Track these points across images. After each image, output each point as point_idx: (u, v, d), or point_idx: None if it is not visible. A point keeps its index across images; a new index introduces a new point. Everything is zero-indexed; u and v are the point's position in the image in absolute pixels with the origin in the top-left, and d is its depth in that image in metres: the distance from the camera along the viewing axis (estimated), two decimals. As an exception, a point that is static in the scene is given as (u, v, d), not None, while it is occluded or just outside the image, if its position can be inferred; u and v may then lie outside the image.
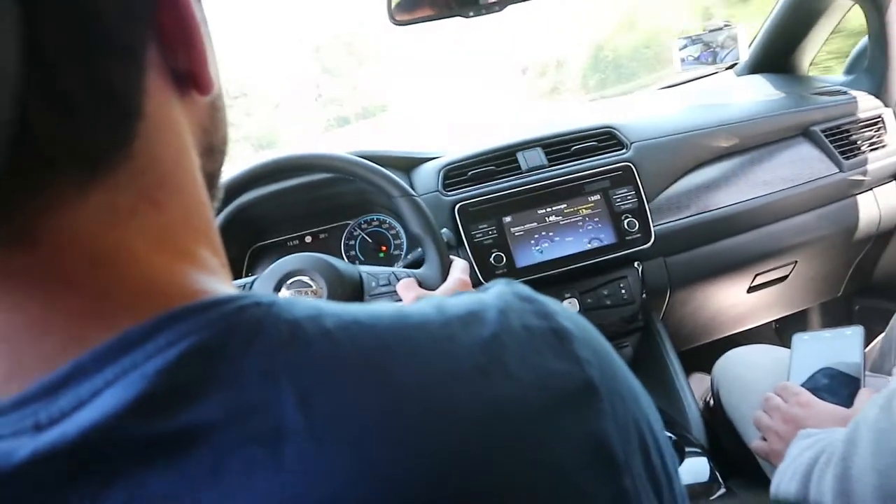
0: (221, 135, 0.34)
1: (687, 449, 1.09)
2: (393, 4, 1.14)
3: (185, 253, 0.28)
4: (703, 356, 1.50)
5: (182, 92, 0.29)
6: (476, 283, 1.16)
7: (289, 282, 0.94)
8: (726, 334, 1.63)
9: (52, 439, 0.22)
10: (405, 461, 0.23)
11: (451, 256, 1.00)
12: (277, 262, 0.96)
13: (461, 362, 0.26)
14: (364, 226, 1.31)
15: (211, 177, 0.33)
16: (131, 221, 0.26)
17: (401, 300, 0.92)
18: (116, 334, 0.24)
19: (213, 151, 0.33)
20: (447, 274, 0.94)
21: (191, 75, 0.29)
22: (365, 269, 0.97)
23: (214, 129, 0.33)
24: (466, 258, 1.20)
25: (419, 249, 1.02)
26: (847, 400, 0.90)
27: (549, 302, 0.31)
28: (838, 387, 0.93)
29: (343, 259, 1.26)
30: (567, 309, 0.31)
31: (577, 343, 0.29)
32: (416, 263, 1.07)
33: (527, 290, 0.31)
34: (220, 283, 0.28)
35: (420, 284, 0.92)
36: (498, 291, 0.31)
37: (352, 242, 1.30)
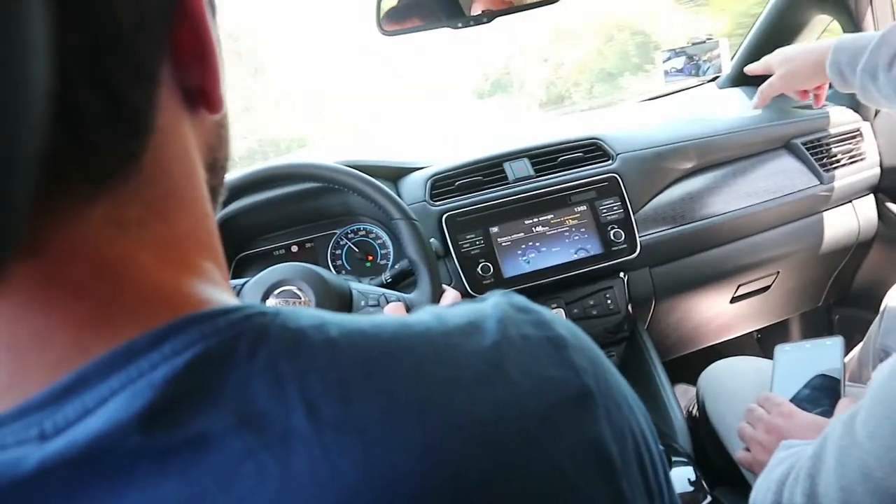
0: (225, 151, 0.35)
1: (673, 458, 1.10)
2: (382, 15, 1.14)
3: (191, 264, 0.28)
4: (687, 367, 1.52)
5: (191, 109, 0.30)
6: (464, 294, 1.16)
7: (277, 291, 0.94)
8: (710, 344, 1.64)
9: (59, 448, 0.22)
10: (411, 466, 0.23)
11: (444, 286, 1.00)
12: (266, 270, 0.95)
13: (463, 370, 0.27)
14: (350, 235, 1.30)
15: (213, 191, 0.33)
16: (138, 232, 0.26)
17: None
18: (121, 343, 0.24)
19: (217, 167, 0.34)
20: (438, 301, 0.95)
21: (202, 93, 0.29)
22: (356, 287, 0.97)
23: (219, 145, 0.34)
24: (454, 268, 1.20)
25: (405, 261, 1.02)
26: (828, 410, 0.91)
27: (544, 312, 0.32)
28: (819, 397, 0.95)
29: (330, 268, 1.26)
30: (562, 318, 0.32)
31: (573, 351, 0.30)
32: (403, 275, 1.07)
33: (523, 301, 0.32)
34: (224, 294, 0.29)
35: (409, 310, 0.92)
36: (495, 302, 0.31)
37: (338, 252, 1.29)
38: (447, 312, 0.30)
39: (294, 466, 0.22)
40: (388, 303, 0.94)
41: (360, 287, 0.97)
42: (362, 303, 0.96)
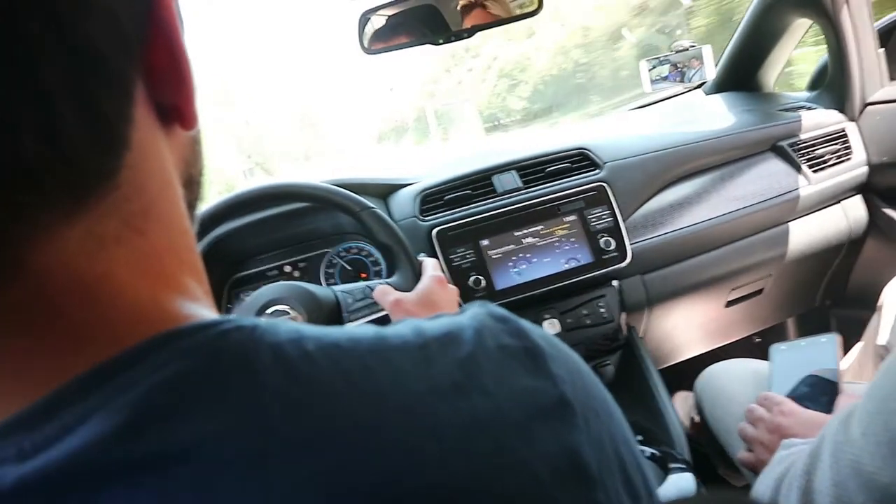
0: (200, 167, 0.35)
1: (671, 465, 1.09)
2: (367, 35, 1.16)
3: (170, 280, 0.29)
4: (686, 374, 1.51)
5: (165, 125, 0.30)
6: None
7: (268, 311, 0.95)
8: (707, 349, 1.64)
9: (37, 466, 0.22)
10: (389, 475, 0.24)
11: (420, 257, 1.02)
12: (255, 293, 0.97)
13: (440, 380, 0.27)
14: (343, 254, 1.31)
15: (190, 207, 0.34)
16: (116, 249, 0.26)
17: (381, 310, 0.93)
18: (101, 361, 0.24)
19: (193, 183, 0.34)
20: (419, 275, 0.96)
21: (176, 110, 0.30)
22: (339, 289, 0.99)
23: (194, 161, 0.34)
24: None
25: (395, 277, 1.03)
26: (827, 406, 0.91)
27: (522, 322, 0.32)
28: (818, 394, 0.95)
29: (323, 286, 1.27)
30: (540, 328, 0.32)
31: (550, 360, 0.30)
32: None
33: (501, 311, 0.32)
34: (204, 309, 0.29)
35: (395, 289, 0.93)
36: (473, 313, 0.32)
37: (331, 270, 1.30)
38: (425, 325, 0.30)
39: (273, 477, 0.23)
40: (372, 291, 0.96)
41: (343, 288, 0.99)
42: (349, 301, 0.98)
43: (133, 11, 0.26)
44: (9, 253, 0.24)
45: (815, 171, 1.42)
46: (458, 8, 1.15)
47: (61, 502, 0.22)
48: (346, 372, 0.26)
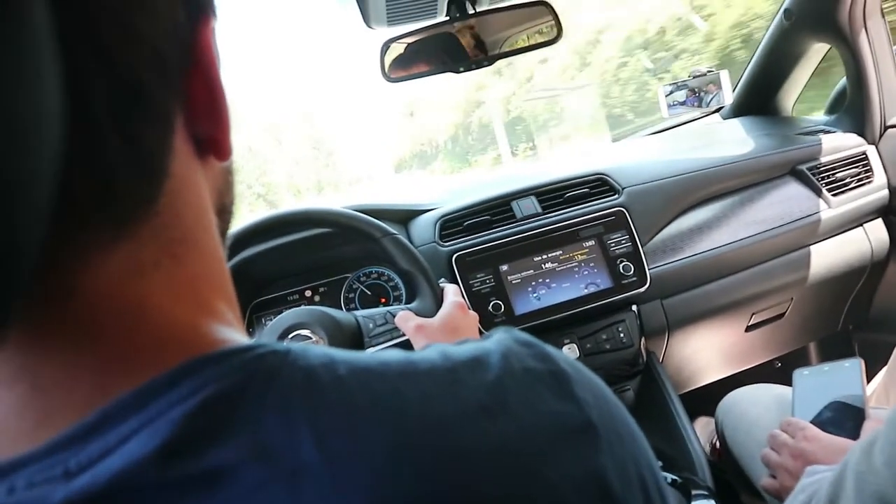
0: (232, 196, 0.36)
1: (693, 492, 1.08)
2: (387, 64, 1.18)
3: (204, 305, 0.30)
4: (706, 399, 1.50)
5: (201, 155, 0.31)
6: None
7: (290, 336, 0.96)
8: (727, 374, 1.62)
9: (82, 485, 0.23)
10: (418, 498, 0.24)
11: (441, 283, 1.03)
12: (277, 318, 0.98)
13: (468, 403, 0.27)
14: (363, 279, 1.32)
15: (222, 234, 0.35)
16: (155, 275, 0.27)
17: (403, 335, 0.94)
18: (141, 383, 0.25)
19: (225, 212, 0.36)
20: (440, 301, 0.97)
21: (212, 141, 0.31)
22: (360, 314, 1.00)
23: (227, 190, 0.35)
24: None
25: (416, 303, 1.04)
26: (853, 432, 0.90)
27: (547, 346, 0.32)
28: (843, 419, 0.93)
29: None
30: (564, 353, 0.33)
31: (575, 384, 0.30)
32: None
33: (526, 336, 0.33)
34: (237, 334, 0.30)
35: (417, 315, 0.93)
36: (499, 338, 0.32)
37: (351, 295, 1.31)
38: (452, 350, 0.31)
39: (304, 498, 0.23)
40: (394, 317, 0.97)
41: (364, 313, 1.00)
42: (370, 326, 0.99)
43: (176, 45, 0.27)
44: (57, 279, 0.25)
45: (835, 195, 1.42)
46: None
47: None
48: (376, 395, 0.27)
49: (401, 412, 0.26)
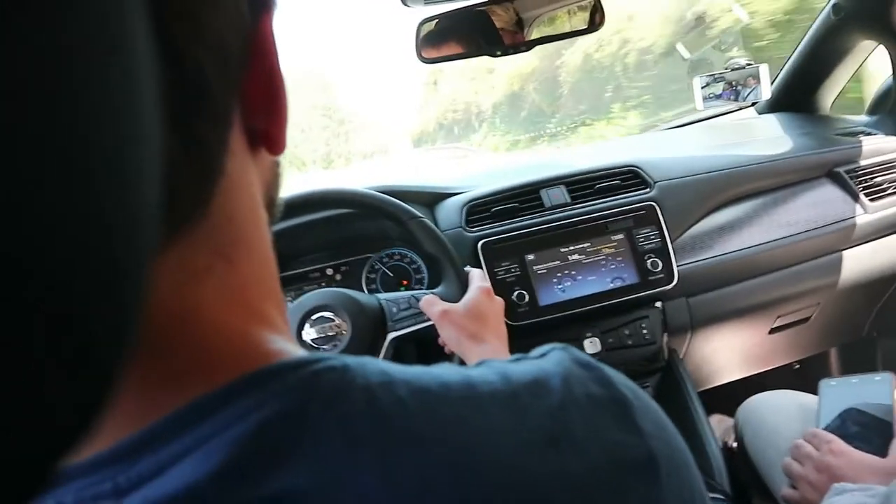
0: (279, 189, 0.35)
1: (710, 495, 1.07)
2: (421, 42, 1.15)
3: (256, 312, 0.28)
4: (722, 396, 1.49)
5: (252, 148, 0.30)
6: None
7: (313, 317, 0.96)
8: (746, 375, 1.61)
9: None
10: None
11: (467, 268, 1.02)
12: (300, 299, 0.98)
13: (532, 433, 0.26)
14: (385, 259, 1.31)
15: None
16: (206, 280, 0.26)
17: (427, 320, 0.93)
18: (191, 398, 0.24)
19: (273, 206, 0.34)
20: (465, 286, 0.96)
21: (267, 135, 0.30)
22: (384, 297, 1.00)
23: (275, 183, 0.34)
24: None
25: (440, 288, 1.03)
26: (881, 448, 0.88)
27: (606, 369, 0.31)
28: (871, 435, 0.92)
29: (364, 292, 1.27)
30: (622, 376, 0.32)
31: (637, 413, 0.29)
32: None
33: (585, 357, 0.32)
34: (289, 343, 0.29)
35: (442, 300, 0.92)
36: (558, 358, 0.31)
37: (373, 276, 1.30)
38: (510, 370, 0.30)
39: None
40: (417, 301, 0.96)
41: (388, 296, 1.00)
42: (394, 310, 0.98)
43: (240, 39, 0.26)
44: None
45: (872, 200, 1.38)
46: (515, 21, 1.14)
47: None
48: (441, 423, 0.25)
49: (466, 444, 0.25)
